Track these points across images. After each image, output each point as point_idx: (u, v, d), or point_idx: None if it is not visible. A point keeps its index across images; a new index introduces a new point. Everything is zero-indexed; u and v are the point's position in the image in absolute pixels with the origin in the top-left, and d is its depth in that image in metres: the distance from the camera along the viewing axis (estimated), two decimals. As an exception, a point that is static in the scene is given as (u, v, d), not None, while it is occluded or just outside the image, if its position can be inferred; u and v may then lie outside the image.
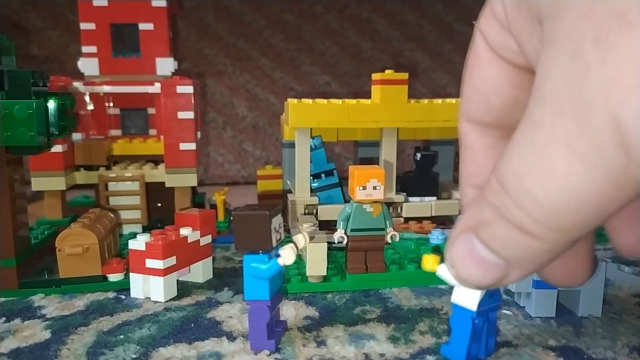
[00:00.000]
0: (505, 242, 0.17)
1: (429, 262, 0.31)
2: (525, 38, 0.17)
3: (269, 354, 0.35)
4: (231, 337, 0.38)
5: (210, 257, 0.51)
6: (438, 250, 0.52)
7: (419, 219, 0.61)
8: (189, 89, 0.61)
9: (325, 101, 0.56)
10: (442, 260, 0.31)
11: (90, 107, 0.69)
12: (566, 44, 0.14)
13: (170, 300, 0.45)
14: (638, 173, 0.14)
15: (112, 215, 0.53)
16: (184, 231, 0.47)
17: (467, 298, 0.32)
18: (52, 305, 0.44)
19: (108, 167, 0.64)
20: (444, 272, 0.31)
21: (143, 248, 0.44)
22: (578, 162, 0.14)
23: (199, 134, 0.66)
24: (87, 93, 0.67)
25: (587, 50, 0.14)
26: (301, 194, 0.58)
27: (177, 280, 0.46)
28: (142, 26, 0.66)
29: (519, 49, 0.18)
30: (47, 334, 0.39)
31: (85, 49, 0.66)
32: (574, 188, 0.14)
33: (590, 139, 0.14)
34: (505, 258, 0.17)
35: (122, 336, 0.38)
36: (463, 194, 0.22)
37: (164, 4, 0.66)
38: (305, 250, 0.47)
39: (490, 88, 0.19)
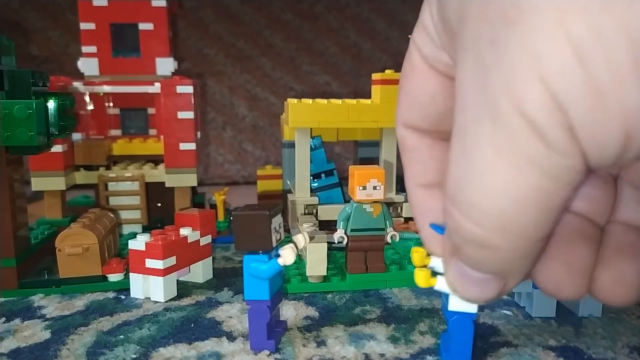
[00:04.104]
0: (480, 260, 0.17)
1: (421, 278, 0.31)
2: (452, 51, 0.17)
3: (269, 354, 0.35)
4: (231, 337, 0.38)
5: (210, 257, 0.51)
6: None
7: (419, 219, 0.61)
8: (189, 89, 0.61)
9: (325, 101, 0.56)
10: (433, 274, 0.32)
11: (90, 107, 0.69)
12: (470, 49, 0.15)
13: (170, 300, 0.45)
14: (564, 160, 0.14)
15: (112, 215, 0.53)
16: (184, 231, 0.47)
17: (466, 302, 0.32)
18: (52, 305, 0.44)
19: (108, 167, 0.64)
20: (441, 285, 0.32)
21: (143, 248, 0.44)
22: (504, 162, 0.14)
23: (199, 134, 0.66)
24: (87, 93, 0.67)
25: (485, 52, 0.14)
26: (301, 194, 0.58)
27: (177, 280, 0.46)
28: (142, 26, 0.66)
29: (450, 62, 0.18)
30: (47, 334, 0.39)
31: (85, 49, 0.66)
32: (509, 189, 0.14)
33: (507, 136, 0.14)
34: (491, 273, 0.18)
35: (122, 336, 0.38)
36: (412, 195, 0.22)
37: (164, 4, 0.66)
38: (305, 250, 0.47)
39: (427, 98, 0.20)
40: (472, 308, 0.33)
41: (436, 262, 0.32)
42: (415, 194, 0.22)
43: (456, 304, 0.33)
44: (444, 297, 0.33)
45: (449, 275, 0.19)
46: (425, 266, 0.32)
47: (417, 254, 0.32)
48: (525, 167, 0.14)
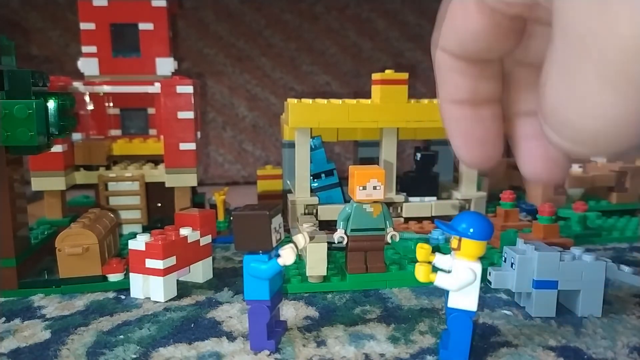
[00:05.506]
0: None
1: (422, 273, 0.32)
2: None
3: (269, 354, 0.35)
4: (231, 337, 0.38)
5: (210, 257, 0.51)
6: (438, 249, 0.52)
7: (419, 219, 0.61)
8: (189, 89, 0.61)
9: (325, 101, 0.56)
10: (434, 270, 0.32)
11: (90, 107, 0.69)
12: None
13: (170, 300, 0.45)
14: None
15: (112, 215, 0.53)
16: (184, 231, 0.47)
17: (465, 300, 0.32)
18: (52, 305, 0.44)
19: (108, 167, 0.64)
20: (441, 281, 0.32)
21: (143, 248, 0.44)
22: (611, 88, 0.14)
23: (199, 134, 0.66)
24: (87, 93, 0.67)
25: None
26: (301, 194, 0.58)
27: (177, 280, 0.46)
28: (142, 26, 0.66)
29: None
30: (47, 334, 0.39)
31: (85, 49, 0.66)
32: (611, 116, 0.14)
33: (617, 60, 0.13)
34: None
35: (122, 336, 0.38)
36: (443, 109, 0.22)
37: (164, 4, 0.66)
38: (305, 250, 0.47)
39: (470, 35, 0.20)
40: (471, 306, 0.32)
41: (440, 260, 0.33)
42: (447, 108, 0.22)
43: (455, 301, 0.33)
44: (446, 294, 0.33)
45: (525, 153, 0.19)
46: (429, 262, 0.32)
47: (422, 250, 0.32)
48: (633, 96, 0.13)
